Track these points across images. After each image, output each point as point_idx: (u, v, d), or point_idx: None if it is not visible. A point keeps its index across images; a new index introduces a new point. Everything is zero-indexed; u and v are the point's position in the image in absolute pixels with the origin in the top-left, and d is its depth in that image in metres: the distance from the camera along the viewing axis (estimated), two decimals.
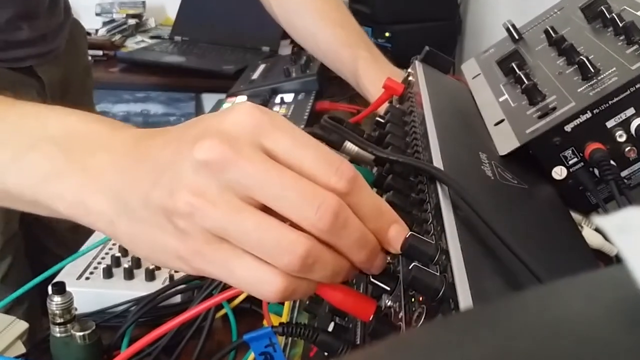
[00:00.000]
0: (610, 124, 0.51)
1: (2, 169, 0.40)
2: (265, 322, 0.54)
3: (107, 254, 0.73)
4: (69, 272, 0.68)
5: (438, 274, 0.34)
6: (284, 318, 0.55)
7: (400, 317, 0.36)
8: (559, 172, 0.54)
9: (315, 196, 0.33)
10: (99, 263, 0.71)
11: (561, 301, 0.17)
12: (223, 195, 0.33)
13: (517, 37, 0.73)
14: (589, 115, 0.51)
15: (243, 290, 0.35)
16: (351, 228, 0.34)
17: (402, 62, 0.92)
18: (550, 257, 0.42)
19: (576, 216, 0.54)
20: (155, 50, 1.93)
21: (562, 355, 0.15)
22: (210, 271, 0.35)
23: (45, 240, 1.11)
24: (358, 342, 0.41)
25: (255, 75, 1.39)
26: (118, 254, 0.72)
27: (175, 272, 0.69)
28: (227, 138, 0.33)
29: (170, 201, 0.34)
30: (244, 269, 0.34)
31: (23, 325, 0.62)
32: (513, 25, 0.75)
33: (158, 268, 0.70)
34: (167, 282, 0.68)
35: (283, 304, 0.57)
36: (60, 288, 0.56)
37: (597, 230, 0.55)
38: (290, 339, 0.56)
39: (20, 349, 0.60)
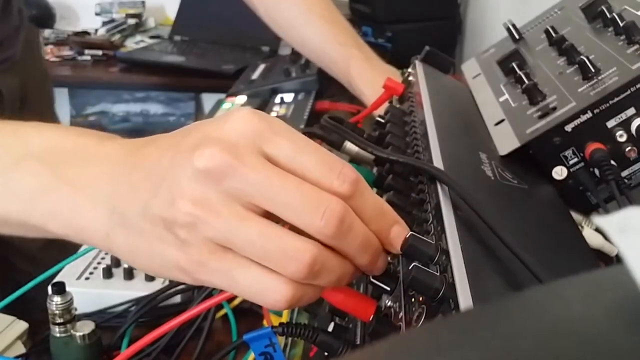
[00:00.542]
0: (610, 124, 0.51)
1: None
2: (265, 322, 0.54)
3: (107, 254, 0.73)
4: (68, 272, 0.68)
5: (438, 274, 0.34)
6: (284, 318, 0.55)
7: (400, 317, 0.36)
8: (559, 172, 0.53)
9: (320, 202, 0.32)
10: (99, 263, 0.71)
11: (561, 301, 0.17)
12: (225, 203, 0.32)
13: (517, 37, 0.73)
14: (589, 115, 0.51)
15: (249, 300, 0.34)
16: (356, 232, 0.33)
17: (402, 62, 0.92)
18: (550, 257, 0.42)
19: (576, 216, 0.54)
20: (155, 50, 1.93)
21: (562, 355, 0.15)
22: (214, 282, 0.34)
23: (13, 259, 1.04)
24: (358, 342, 0.41)
25: (255, 75, 1.39)
26: None
27: None
28: (227, 145, 0.32)
29: (170, 211, 0.33)
30: (248, 278, 0.33)
31: (23, 326, 0.62)
32: (513, 25, 0.75)
33: None
34: (167, 282, 0.68)
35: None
36: (60, 288, 0.56)
37: (597, 230, 0.55)
38: (290, 339, 0.56)
39: (20, 349, 0.60)
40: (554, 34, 0.65)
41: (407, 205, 0.45)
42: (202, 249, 0.33)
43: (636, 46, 0.53)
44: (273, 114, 1.17)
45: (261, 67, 1.46)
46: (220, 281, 0.34)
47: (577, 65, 0.56)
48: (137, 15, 2.22)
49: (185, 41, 1.98)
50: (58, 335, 0.57)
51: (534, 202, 0.51)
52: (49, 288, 0.57)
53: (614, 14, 0.57)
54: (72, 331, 0.56)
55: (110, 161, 0.37)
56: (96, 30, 2.11)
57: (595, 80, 0.53)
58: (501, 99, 0.64)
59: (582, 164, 0.53)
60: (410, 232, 0.36)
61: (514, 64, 0.65)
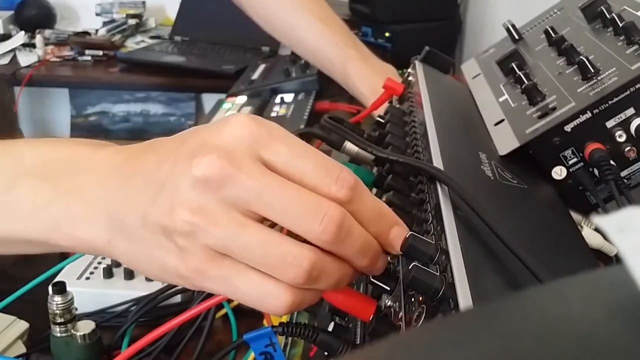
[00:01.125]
0: (610, 124, 0.51)
1: None
2: (265, 322, 0.54)
3: None
4: (69, 272, 0.68)
5: (438, 274, 0.34)
6: (284, 318, 0.55)
7: (400, 317, 0.36)
8: (558, 172, 0.54)
9: (318, 208, 0.32)
10: (99, 263, 0.71)
11: (561, 301, 0.17)
12: (224, 211, 0.32)
13: (517, 37, 0.73)
14: (588, 115, 0.51)
15: (249, 306, 0.35)
16: (354, 236, 0.33)
17: (402, 62, 0.92)
18: (550, 257, 0.42)
19: (576, 216, 0.54)
20: (155, 50, 1.93)
21: (562, 355, 0.15)
22: (214, 288, 0.34)
23: None
24: (358, 342, 0.41)
25: (255, 75, 1.39)
26: None
27: None
28: (225, 153, 0.32)
29: (169, 220, 0.33)
30: (248, 285, 0.33)
31: (23, 325, 0.62)
32: (513, 25, 0.75)
33: None
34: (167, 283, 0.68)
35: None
36: (60, 288, 0.56)
37: (597, 230, 0.55)
38: (290, 338, 0.56)
39: (21, 348, 0.60)
40: (553, 34, 0.65)
41: (407, 205, 0.45)
42: (201, 257, 0.33)
43: (635, 46, 0.53)
44: (273, 114, 1.17)
45: (261, 67, 1.46)
46: (220, 288, 0.34)
47: (576, 66, 0.56)
48: (138, 16, 2.22)
49: (185, 41, 1.98)
50: (58, 335, 0.57)
51: (533, 202, 0.51)
52: (50, 288, 0.57)
53: (613, 15, 0.57)
54: (72, 331, 0.56)
55: (106, 169, 0.36)
56: (97, 31, 2.11)
57: (594, 80, 0.53)
58: (501, 99, 0.64)
59: (582, 164, 0.53)
60: (410, 232, 0.36)
61: (513, 64, 0.65)
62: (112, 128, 2.23)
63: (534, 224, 0.47)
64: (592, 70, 0.54)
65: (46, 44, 1.96)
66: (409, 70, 0.74)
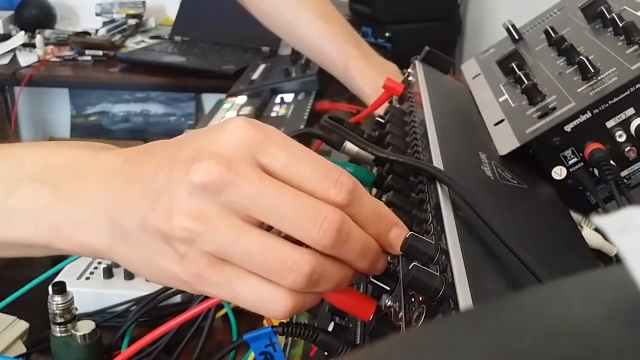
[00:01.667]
0: (610, 124, 0.51)
1: None
2: (265, 322, 0.54)
3: None
4: (69, 272, 0.68)
5: (438, 273, 0.34)
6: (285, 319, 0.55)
7: (400, 317, 0.36)
8: (558, 172, 0.54)
9: (317, 212, 0.32)
10: (99, 263, 0.71)
11: (561, 301, 0.17)
12: (223, 217, 0.32)
13: (517, 37, 0.73)
14: (588, 115, 0.51)
15: (250, 310, 0.35)
16: (354, 239, 0.33)
17: (402, 62, 0.92)
18: (550, 257, 0.42)
19: (576, 216, 0.54)
20: (155, 50, 1.93)
21: (562, 355, 0.15)
22: (214, 293, 0.34)
23: None
24: (358, 342, 0.41)
25: (255, 75, 1.39)
26: None
27: None
28: (223, 158, 0.32)
29: (168, 226, 0.33)
30: (249, 290, 0.33)
31: (23, 325, 0.62)
32: (513, 25, 0.75)
33: None
34: None
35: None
36: (60, 288, 0.56)
37: (597, 230, 0.55)
38: (290, 338, 0.56)
39: (21, 348, 0.60)
40: (553, 34, 0.65)
41: (407, 205, 0.45)
42: (201, 263, 0.33)
43: (635, 46, 0.53)
44: (273, 114, 1.16)
45: (261, 67, 1.46)
46: (221, 293, 0.34)
47: (576, 66, 0.56)
48: (138, 16, 2.22)
49: (185, 41, 1.98)
50: (59, 335, 0.57)
51: (533, 202, 0.51)
52: (50, 288, 0.57)
53: (613, 15, 0.57)
54: (72, 331, 0.56)
55: (106, 173, 0.36)
56: (97, 31, 2.11)
57: (594, 80, 0.53)
58: (501, 99, 0.64)
59: (582, 164, 0.53)
60: (410, 232, 0.36)
61: (513, 64, 0.65)
62: (112, 128, 2.23)
63: (534, 224, 0.47)
64: (592, 70, 0.54)
65: (46, 44, 1.96)
66: (409, 70, 0.74)
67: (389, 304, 0.39)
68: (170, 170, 0.34)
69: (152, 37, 2.10)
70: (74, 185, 0.37)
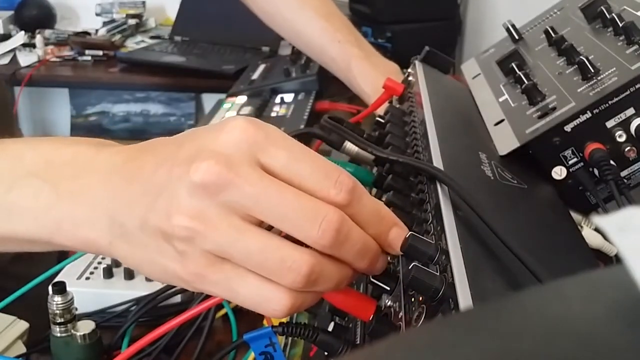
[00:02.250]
0: (610, 124, 0.51)
1: None
2: (265, 322, 0.54)
3: None
4: (69, 272, 0.68)
5: (438, 273, 0.34)
6: (284, 318, 0.55)
7: (400, 317, 0.36)
8: (558, 172, 0.54)
9: (316, 213, 0.32)
10: (99, 263, 0.71)
11: (561, 301, 0.17)
12: (222, 216, 0.32)
13: (517, 37, 0.73)
14: (588, 115, 0.51)
15: (249, 309, 0.35)
16: (353, 240, 0.33)
17: (402, 62, 0.92)
18: (550, 257, 0.42)
19: (576, 216, 0.54)
20: (155, 50, 1.93)
21: (562, 355, 0.15)
22: (214, 292, 0.34)
23: None
24: (358, 342, 0.41)
25: (255, 75, 1.39)
26: None
27: None
28: (223, 158, 0.32)
29: (168, 225, 0.33)
30: (248, 289, 0.33)
31: (23, 325, 0.62)
32: (513, 25, 0.75)
33: None
34: None
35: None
36: (60, 288, 0.56)
37: (597, 230, 0.55)
38: (290, 338, 0.56)
39: (21, 348, 0.60)
40: (553, 34, 0.65)
41: (407, 205, 0.45)
42: (200, 261, 0.33)
43: (635, 46, 0.53)
44: (273, 114, 1.16)
45: (261, 67, 1.46)
46: (220, 292, 0.34)
47: (576, 66, 0.56)
48: (138, 16, 2.22)
49: (185, 41, 1.98)
50: (58, 335, 0.57)
51: (533, 202, 0.51)
52: (50, 288, 0.57)
53: (613, 15, 0.57)
54: (72, 331, 0.56)
55: (107, 170, 0.37)
56: (97, 31, 2.11)
57: (594, 80, 0.53)
58: (501, 99, 0.64)
59: (582, 164, 0.53)
60: (410, 232, 0.36)
61: (513, 64, 0.65)
62: (112, 128, 2.23)
63: (534, 224, 0.47)
64: (592, 70, 0.54)
65: (46, 44, 1.96)
66: (409, 70, 0.74)
67: (389, 304, 0.39)
68: (170, 169, 0.34)
69: (152, 37, 2.10)
70: (75, 183, 0.37)
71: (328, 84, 1.28)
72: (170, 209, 0.33)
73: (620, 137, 0.51)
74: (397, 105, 0.69)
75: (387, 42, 1.62)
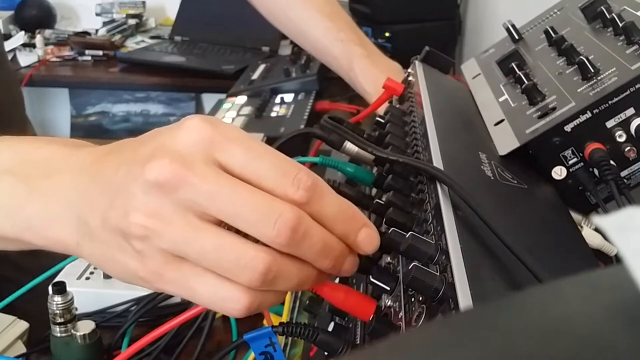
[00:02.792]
0: (610, 124, 0.51)
1: None
2: (265, 322, 0.54)
3: None
4: (69, 272, 0.68)
5: (438, 273, 0.34)
6: (284, 318, 0.55)
7: (400, 317, 0.36)
8: (558, 172, 0.54)
9: (271, 210, 0.32)
10: None
11: (561, 301, 0.17)
12: (178, 214, 0.32)
13: (517, 37, 0.73)
14: (588, 115, 0.51)
15: (208, 308, 0.35)
16: (313, 239, 0.33)
17: (402, 62, 0.92)
18: (550, 257, 0.42)
19: (576, 216, 0.54)
20: (155, 50, 1.93)
21: (562, 355, 0.15)
22: (172, 291, 0.35)
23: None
24: (358, 342, 0.41)
25: (255, 75, 1.39)
26: None
27: None
28: (179, 156, 0.32)
29: (125, 223, 0.33)
30: (205, 288, 0.33)
31: (23, 325, 0.62)
32: (513, 25, 0.75)
33: None
34: None
35: (283, 303, 0.57)
36: (60, 288, 0.56)
37: (597, 230, 0.55)
38: (290, 338, 0.56)
39: (21, 348, 0.60)
40: (553, 34, 0.65)
41: (407, 205, 0.45)
42: (157, 260, 0.33)
43: (635, 46, 0.53)
44: (273, 114, 1.17)
45: (261, 67, 1.46)
46: (179, 290, 0.34)
47: (576, 66, 0.56)
48: (138, 16, 2.22)
49: (185, 41, 1.98)
50: (58, 335, 0.57)
51: (533, 202, 0.51)
52: (50, 288, 0.57)
53: (613, 15, 0.57)
54: (72, 331, 0.56)
55: (76, 170, 0.37)
56: (97, 31, 2.11)
57: (594, 80, 0.53)
58: (501, 99, 0.64)
59: (582, 164, 0.53)
60: (410, 232, 0.36)
61: (513, 64, 0.65)
62: (112, 128, 2.23)
63: (534, 224, 0.47)
64: (592, 70, 0.54)
65: (46, 44, 1.96)
66: (409, 70, 0.74)
67: (389, 304, 0.39)
68: (128, 168, 0.34)
69: (152, 37, 2.10)
70: (47, 182, 0.37)
71: (328, 84, 1.28)
72: (126, 207, 0.33)
73: (620, 137, 0.51)
74: (397, 105, 0.69)
75: (387, 42, 1.62)
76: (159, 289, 0.35)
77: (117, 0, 2.25)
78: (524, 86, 0.59)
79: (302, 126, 1.08)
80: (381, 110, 0.70)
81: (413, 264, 0.34)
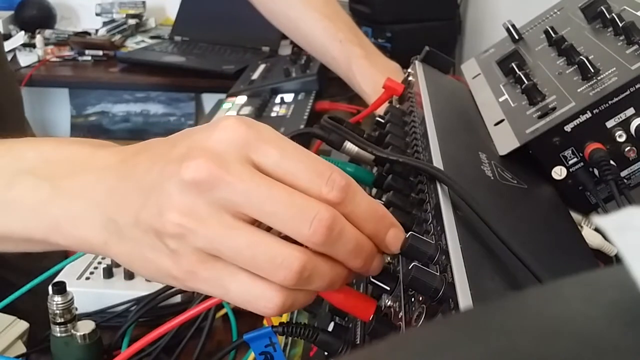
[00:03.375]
0: (610, 124, 0.51)
1: None
2: (265, 322, 0.54)
3: None
4: (69, 272, 0.68)
5: (438, 273, 0.34)
6: (284, 318, 0.55)
7: (400, 317, 0.36)
8: (558, 172, 0.54)
9: (308, 210, 0.32)
10: (99, 263, 0.71)
11: (561, 301, 0.17)
12: (213, 213, 0.32)
13: (517, 37, 0.73)
14: (588, 115, 0.51)
15: (241, 307, 0.35)
16: (346, 238, 0.33)
17: (402, 62, 0.92)
18: (550, 257, 0.42)
19: (576, 216, 0.54)
20: (155, 50, 1.93)
21: (562, 355, 0.15)
22: (205, 289, 0.34)
23: None
24: (358, 342, 0.41)
25: (255, 75, 1.39)
26: None
27: None
28: (215, 156, 0.32)
29: (159, 222, 0.33)
30: (239, 286, 0.33)
31: (23, 325, 0.62)
32: (513, 25, 0.75)
33: None
34: None
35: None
36: (60, 288, 0.56)
37: (597, 230, 0.55)
38: (290, 338, 0.56)
39: (21, 348, 0.60)
40: (553, 34, 0.65)
41: (407, 205, 0.45)
42: (191, 259, 0.33)
43: (635, 46, 0.53)
44: (273, 114, 1.17)
45: (261, 67, 1.46)
46: (212, 289, 0.34)
47: (576, 66, 0.56)
48: (138, 16, 2.22)
49: (185, 41, 1.98)
50: (59, 334, 0.57)
51: (533, 202, 0.51)
52: (50, 288, 0.57)
53: (613, 15, 0.57)
54: (72, 331, 0.56)
55: (103, 169, 0.37)
56: (97, 31, 2.11)
57: (594, 80, 0.53)
58: (501, 99, 0.64)
59: (582, 164, 0.53)
60: (410, 232, 0.36)
61: (513, 64, 0.65)
62: (112, 128, 2.23)
63: (534, 224, 0.47)
64: (592, 70, 0.54)
65: (46, 44, 1.96)
66: (409, 70, 0.74)
67: (389, 304, 0.39)
68: (163, 168, 0.34)
69: (152, 37, 2.10)
70: (73, 181, 0.37)
71: (328, 84, 1.28)
72: (161, 206, 0.33)
73: (620, 137, 0.51)
74: (397, 105, 0.69)
75: (387, 42, 1.62)
76: (191, 288, 0.35)
77: (117, 0, 2.25)
78: (524, 86, 0.59)
79: (302, 126, 1.08)
80: (381, 110, 0.70)
81: (413, 264, 0.34)
